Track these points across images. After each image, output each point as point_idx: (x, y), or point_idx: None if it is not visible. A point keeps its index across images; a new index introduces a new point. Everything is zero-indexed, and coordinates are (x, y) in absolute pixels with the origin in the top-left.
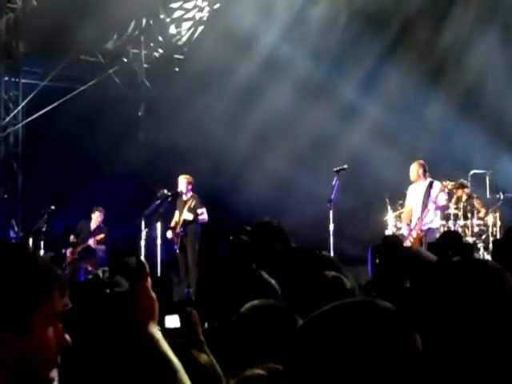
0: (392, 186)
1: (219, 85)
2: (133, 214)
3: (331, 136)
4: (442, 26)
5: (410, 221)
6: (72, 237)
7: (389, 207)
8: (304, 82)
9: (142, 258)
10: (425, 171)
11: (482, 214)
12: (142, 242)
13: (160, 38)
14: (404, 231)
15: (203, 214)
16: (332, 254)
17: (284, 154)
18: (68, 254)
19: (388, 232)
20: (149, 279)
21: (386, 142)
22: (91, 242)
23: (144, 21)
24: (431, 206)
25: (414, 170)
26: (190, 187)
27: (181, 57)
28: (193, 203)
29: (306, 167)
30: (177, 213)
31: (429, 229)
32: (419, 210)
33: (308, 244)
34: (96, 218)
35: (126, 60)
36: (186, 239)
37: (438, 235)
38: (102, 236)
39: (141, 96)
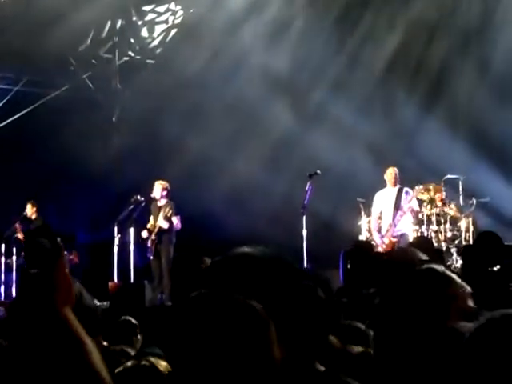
0: (365, 192)
1: (193, 88)
2: (106, 220)
3: (303, 141)
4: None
5: (380, 228)
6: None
7: (362, 212)
8: (274, 82)
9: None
10: (397, 177)
11: (457, 215)
12: (115, 248)
13: (132, 41)
14: (376, 239)
15: (177, 222)
16: (305, 258)
17: (254, 158)
18: None
19: (362, 237)
20: (64, 259)
21: (360, 147)
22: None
23: (118, 23)
24: (405, 210)
25: (392, 173)
26: (165, 193)
27: (152, 61)
28: (169, 211)
29: (277, 171)
30: (151, 218)
31: (401, 234)
32: (390, 216)
33: (281, 249)
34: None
35: (98, 64)
36: (160, 246)
37: (410, 240)
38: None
39: (114, 100)
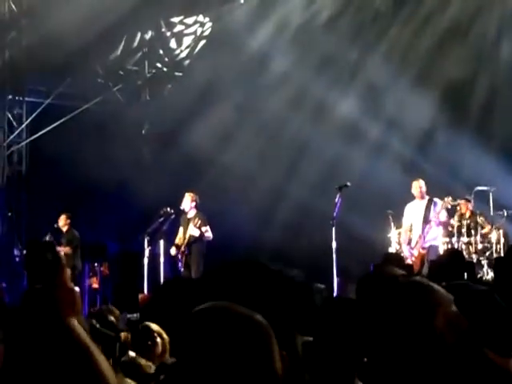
0: (395, 204)
1: (219, 99)
2: (136, 232)
3: (334, 154)
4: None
5: (410, 240)
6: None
7: (392, 224)
8: (303, 98)
9: (146, 276)
10: (425, 189)
11: (486, 230)
12: (146, 260)
13: (161, 52)
14: (405, 251)
15: (208, 232)
16: (335, 271)
17: (284, 171)
18: None
19: (391, 249)
20: (66, 271)
21: (389, 160)
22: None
23: (148, 34)
24: (434, 222)
25: (417, 186)
26: (193, 205)
27: (180, 73)
28: (198, 221)
29: (307, 184)
30: (181, 230)
31: (431, 246)
32: (419, 228)
33: (311, 262)
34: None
35: (126, 76)
36: (190, 257)
37: (440, 252)
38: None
39: (143, 113)
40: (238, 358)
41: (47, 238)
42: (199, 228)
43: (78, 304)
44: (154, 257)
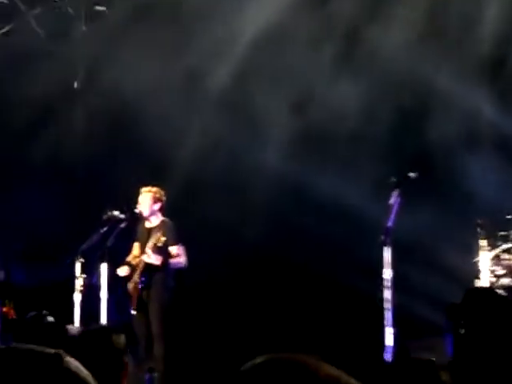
0: (487, 208)
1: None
2: (61, 249)
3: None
4: None
5: None
6: None
7: (481, 241)
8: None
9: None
10: None
11: None
12: (77, 296)
13: None
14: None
15: (179, 256)
16: (389, 317)
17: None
18: None
19: (480, 283)
20: None
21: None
22: None
23: None
24: None
25: None
26: (157, 207)
27: None
28: (160, 237)
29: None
30: (136, 246)
31: None
32: None
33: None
34: None
35: None
36: (148, 294)
37: None
38: None
39: (77, 55)
40: None
41: None
42: (163, 249)
43: None
44: (91, 290)
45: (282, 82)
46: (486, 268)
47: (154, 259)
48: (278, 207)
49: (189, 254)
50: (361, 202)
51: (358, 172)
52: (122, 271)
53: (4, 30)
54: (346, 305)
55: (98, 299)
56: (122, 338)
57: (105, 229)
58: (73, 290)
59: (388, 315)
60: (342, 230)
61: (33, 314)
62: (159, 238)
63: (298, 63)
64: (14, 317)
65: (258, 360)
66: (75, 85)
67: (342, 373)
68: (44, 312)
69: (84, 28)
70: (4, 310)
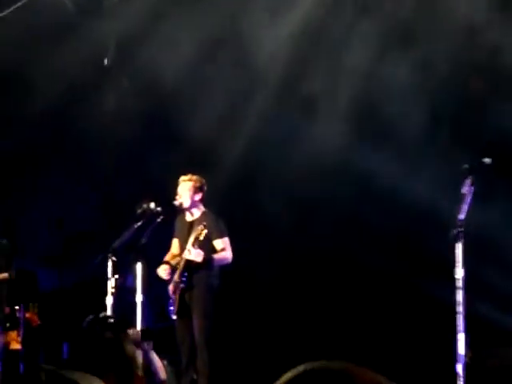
0: None
1: None
2: (90, 250)
3: None
4: None
5: None
6: None
7: None
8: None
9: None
10: None
11: None
12: (109, 299)
13: None
14: None
15: (225, 250)
16: (461, 322)
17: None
18: None
19: None
20: None
21: None
22: None
23: None
24: None
25: None
26: (198, 197)
27: None
28: (202, 231)
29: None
30: (175, 243)
31: None
32: None
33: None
34: None
35: None
36: (190, 296)
37: None
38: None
39: (108, 29)
40: None
41: None
42: (206, 243)
43: None
44: (124, 293)
45: (343, 70)
46: None
47: (196, 255)
48: (338, 200)
49: (238, 249)
50: (429, 192)
51: (427, 159)
52: (163, 271)
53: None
54: (411, 307)
55: (133, 303)
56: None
57: (139, 223)
58: (104, 293)
59: (460, 320)
60: (407, 224)
61: (90, 318)
62: (201, 232)
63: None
64: (39, 323)
65: (300, 369)
66: (105, 62)
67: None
68: (103, 315)
69: None
70: (27, 315)
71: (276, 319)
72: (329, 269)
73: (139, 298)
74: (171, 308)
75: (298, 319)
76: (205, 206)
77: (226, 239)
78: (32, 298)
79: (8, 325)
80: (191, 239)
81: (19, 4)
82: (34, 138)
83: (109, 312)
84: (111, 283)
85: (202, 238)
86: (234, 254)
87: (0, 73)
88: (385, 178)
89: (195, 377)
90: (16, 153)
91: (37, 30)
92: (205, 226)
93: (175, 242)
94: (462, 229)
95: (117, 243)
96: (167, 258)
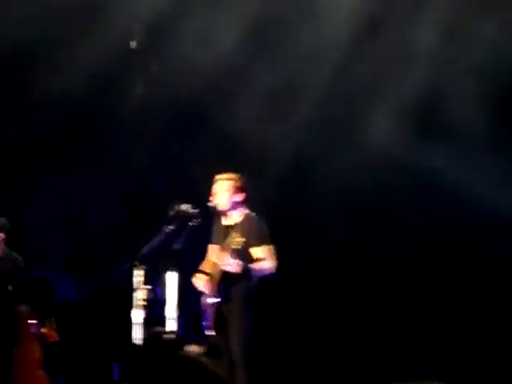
0: None
1: None
2: (116, 256)
3: None
4: None
5: None
6: None
7: None
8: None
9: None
10: None
11: None
12: (137, 312)
13: None
14: None
15: (265, 259)
16: None
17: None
18: None
19: None
20: None
21: None
22: None
23: None
24: None
25: None
26: (239, 198)
27: None
28: (237, 236)
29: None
30: (212, 249)
31: None
32: None
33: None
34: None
35: None
36: (227, 309)
37: None
38: None
39: (135, 9)
40: None
41: None
42: (244, 251)
43: None
44: (154, 304)
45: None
46: None
47: (232, 265)
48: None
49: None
50: (494, 190)
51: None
52: (200, 282)
53: None
54: (478, 316)
55: (163, 317)
56: None
57: (171, 228)
58: (129, 306)
59: None
60: (469, 226)
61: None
62: (235, 239)
63: None
64: (57, 339)
65: None
66: (132, 45)
67: None
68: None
69: None
70: (43, 331)
71: (323, 332)
72: (389, 275)
73: (172, 312)
74: (206, 323)
75: (348, 333)
76: (246, 206)
77: (268, 247)
78: (48, 311)
79: None
80: (227, 247)
81: None
82: (55, 128)
83: (170, 326)
84: (140, 295)
85: (236, 246)
86: (279, 263)
87: (25, 54)
88: (445, 176)
89: None
90: (26, 146)
91: (61, 11)
92: (242, 232)
93: (212, 249)
94: None
95: (146, 249)
96: (204, 266)
